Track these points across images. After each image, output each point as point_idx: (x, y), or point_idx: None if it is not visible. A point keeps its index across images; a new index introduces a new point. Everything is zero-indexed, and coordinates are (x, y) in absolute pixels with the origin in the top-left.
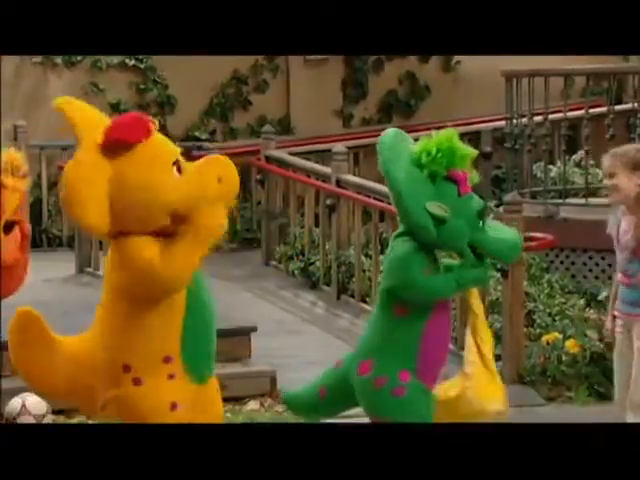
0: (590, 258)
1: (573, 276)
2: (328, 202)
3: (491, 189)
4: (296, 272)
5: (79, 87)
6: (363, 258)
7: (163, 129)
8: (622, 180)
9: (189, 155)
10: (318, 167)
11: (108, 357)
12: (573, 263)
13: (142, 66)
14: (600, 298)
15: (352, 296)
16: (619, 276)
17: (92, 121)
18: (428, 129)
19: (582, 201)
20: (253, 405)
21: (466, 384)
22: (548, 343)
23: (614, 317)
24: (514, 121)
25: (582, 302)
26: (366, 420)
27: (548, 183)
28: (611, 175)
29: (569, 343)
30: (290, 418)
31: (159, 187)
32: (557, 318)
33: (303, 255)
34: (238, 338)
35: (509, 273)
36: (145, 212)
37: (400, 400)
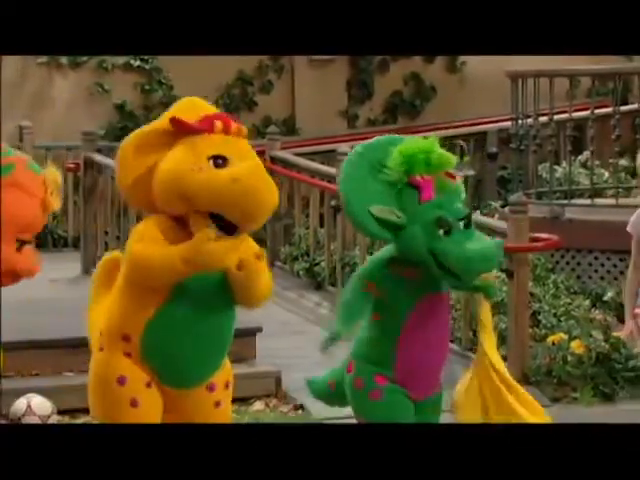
0: (596, 259)
1: (578, 277)
2: (333, 203)
3: (497, 190)
4: (301, 273)
5: (84, 88)
6: (368, 259)
7: None
8: None
9: None
10: (323, 168)
11: (103, 320)
12: (579, 264)
13: (147, 67)
14: (606, 299)
15: None
16: None
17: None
18: (433, 130)
19: (588, 202)
20: (258, 406)
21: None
22: (553, 344)
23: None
24: (519, 122)
25: (587, 303)
26: None
27: (554, 184)
28: None
29: (574, 344)
30: (295, 418)
31: (181, 176)
32: (562, 319)
33: (308, 256)
34: (243, 339)
35: (514, 273)
36: (164, 196)
37: (377, 403)
